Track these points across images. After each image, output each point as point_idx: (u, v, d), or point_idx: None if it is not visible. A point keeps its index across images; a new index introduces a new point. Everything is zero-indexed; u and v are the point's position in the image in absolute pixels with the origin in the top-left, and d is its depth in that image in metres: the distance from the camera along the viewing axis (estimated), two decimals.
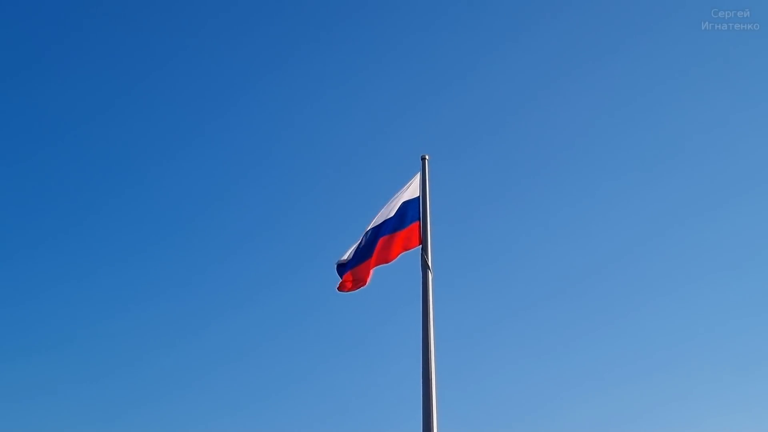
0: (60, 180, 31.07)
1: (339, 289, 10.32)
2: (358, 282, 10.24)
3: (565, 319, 26.43)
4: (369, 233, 10.34)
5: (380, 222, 10.36)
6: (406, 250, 10.21)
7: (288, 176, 31.66)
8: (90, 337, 27.13)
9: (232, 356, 26.38)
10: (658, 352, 25.12)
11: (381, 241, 10.28)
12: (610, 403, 23.56)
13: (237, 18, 31.36)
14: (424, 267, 9.91)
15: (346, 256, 10.36)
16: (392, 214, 10.38)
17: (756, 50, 27.52)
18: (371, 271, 10.21)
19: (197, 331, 27.66)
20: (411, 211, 10.38)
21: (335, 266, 10.40)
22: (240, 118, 32.04)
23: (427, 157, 10.73)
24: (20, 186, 30.38)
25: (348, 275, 10.25)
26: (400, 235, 10.26)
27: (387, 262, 10.21)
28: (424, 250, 10.04)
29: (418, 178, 10.63)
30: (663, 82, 29.54)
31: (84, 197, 31.12)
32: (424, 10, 30.91)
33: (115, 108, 31.69)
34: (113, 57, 31.70)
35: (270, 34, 31.81)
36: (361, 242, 10.36)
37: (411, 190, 10.57)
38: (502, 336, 26.23)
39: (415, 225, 10.27)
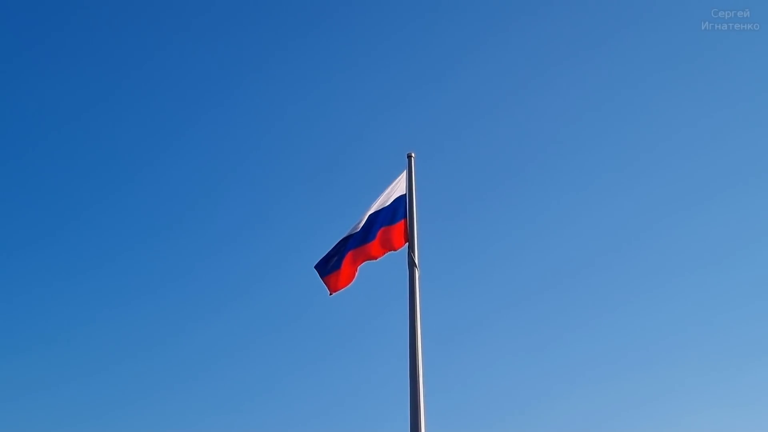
0: (44, 178, 30.88)
1: (332, 290, 10.23)
2: (356, 263, 10.19)
3: (552, 316, 26.49)
4: (365, 222, 10.30)
5: (377, 210, 10.34)
6: (396, 248, 10.19)
7: (273, 175, 31.60)
8: (78, 335, 27.02)
9: (218, 356, 26.28)
10: (644, 349, 25.22)
11: (381, 231, 10.26)
12: (598, 400, 23.66)
13: (222, 16, 31.27)
14: (411, 265, 9.90)
15: (333, 253, 10.34)
16: (387, 204, 10.36)
17: (756, 50, 27.67)
18: (383, 252, 10.17)
19: (183, 331, 27.56)
20: (398, 209, 10.38)
21: (320, 266, 10.36)
22: (225, 117, 31.96)
23: (413, 154, 10.72)
24: (6, 184, 30.19)
25: (344, 264, 10.19)
26: (395, 228, 10.24)
27: (394, 250, 10.17)
28: (411, 248, 10.03)
29: (404, 175, 10.63)
30: (662, 82, 29.61)
31: (69, 195, 30.96)
32: (408, 6, 30.91)
33: (101, 106, 31.53)
34: (98, 54, 31.54)
35: (254, 32, 31.74)
36: (355, 231, 10.31)
37: (398, 188, 10.56)
38: (490, 333, 26.26)
39: (401, 223, 10.26)
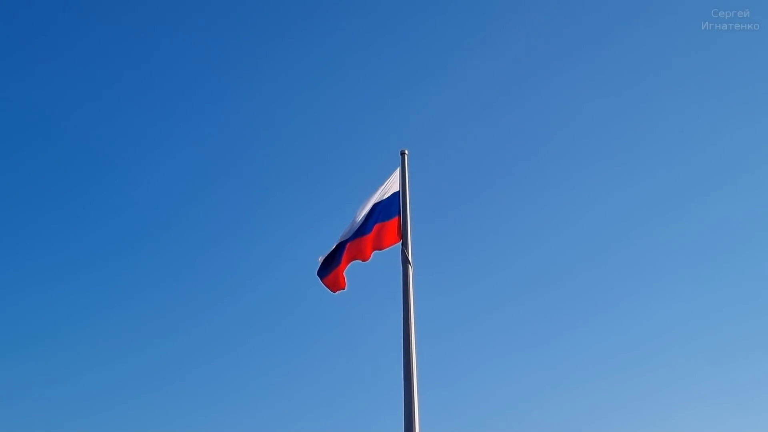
0: (38, 176, 30.80)
1: (333, 289, 10.24)
2: (351, 255, 10.20)
3: (546, 314, 26.53)
4: (367, 213, 10.30)
5: (354, 228, 10.33)
6: (385, 247, 10.15)
7: (266, 173, 31.57)
8: (70, 334, 26.99)
9: (211, 354, 26.26)
10: (638, 347, 25.29)
11: (348, 245, 10.21)
12: (592, 397, 23.70)
13: (216, 13, 31.21)
14: (405, 262, 9.87)
15: (326, 256, 10.33)
16: (360, 216, 10.34)
17: (756, 50, 27.72)
18: (344, 274, 10.13)
19: (176, 329, 27.53)
20: (381, 210, 10.34)
21: (319, 268, 10.35)
22: (218, 114, 31.90)
23: (406, 151, 10.70)
24: None
25: (333, 274, 10.20)
26: (368, 238, 10.21)
27: (364, 260, 10.16)
28: (405, 245, 10.00)
29: (397, 173, 10.60)
30: (662, 82, 29.63)
31: (61, 193, 30.87)
32: (401, 3, 30.90)
33: (95, 103, 31.45)
34: (92, 52, 31.45)
35: (247, 29, 31.69)
36: (338, 243, 10.32)
37: (387, 188, 10.53)
38: (484, 331, 26.29)
39: (394, 221, 10.23)
